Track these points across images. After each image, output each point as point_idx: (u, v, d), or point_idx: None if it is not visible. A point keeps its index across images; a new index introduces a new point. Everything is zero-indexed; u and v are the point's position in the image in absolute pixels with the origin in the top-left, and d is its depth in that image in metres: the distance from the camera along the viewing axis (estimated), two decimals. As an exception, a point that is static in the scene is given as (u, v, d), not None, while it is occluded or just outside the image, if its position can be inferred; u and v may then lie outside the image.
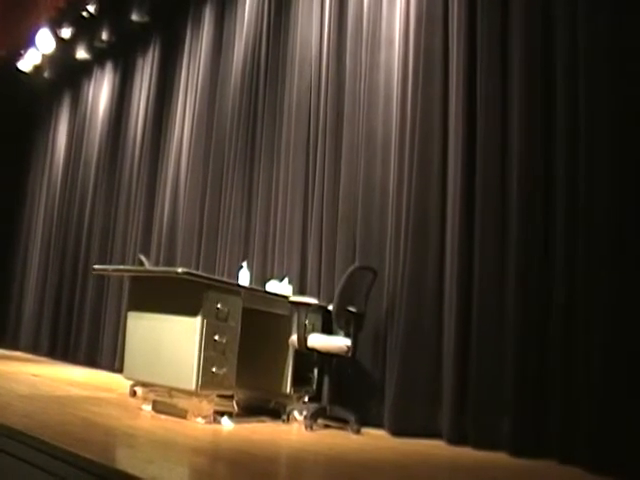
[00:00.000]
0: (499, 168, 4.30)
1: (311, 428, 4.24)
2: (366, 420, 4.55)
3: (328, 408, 4.44)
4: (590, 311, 3.65)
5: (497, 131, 4.33)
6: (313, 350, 4.45)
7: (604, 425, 3.45)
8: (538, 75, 4.16)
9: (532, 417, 3.82)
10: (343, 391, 4.72)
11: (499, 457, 3.82)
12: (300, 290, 5.36)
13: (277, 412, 4.70)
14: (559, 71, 4.06)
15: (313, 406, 4.50)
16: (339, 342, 4.42)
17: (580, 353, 3.66)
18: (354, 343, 4.42)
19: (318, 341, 4.45)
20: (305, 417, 4.38)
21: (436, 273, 4.57)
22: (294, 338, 4.49)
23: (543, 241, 4.00)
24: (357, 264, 4.66)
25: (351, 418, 4.38)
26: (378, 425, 4.59)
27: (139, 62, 8.81)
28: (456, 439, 4.12)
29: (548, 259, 3.96)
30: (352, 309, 4.47)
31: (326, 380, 4.60)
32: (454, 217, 4.48)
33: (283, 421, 4.49)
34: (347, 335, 4.49)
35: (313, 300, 4.70)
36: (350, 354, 4.41)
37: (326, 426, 4.42)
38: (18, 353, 9.55)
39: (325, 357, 4.50)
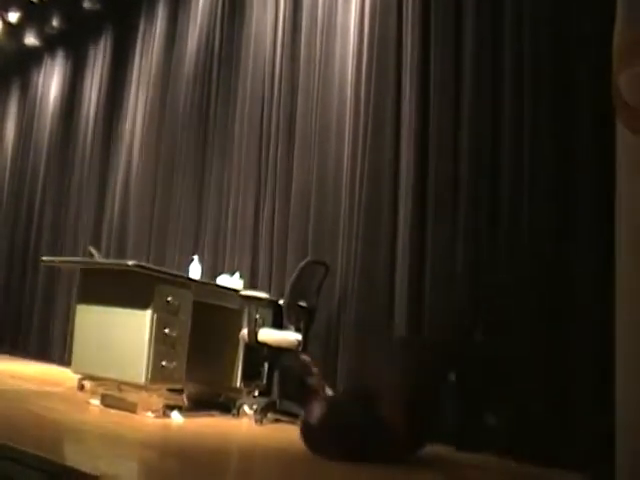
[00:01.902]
0: (451, 158, 4.37)
1: (261, 422, 4.26)
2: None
3: (278, 402, 4.47)
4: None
5: (450, 120, 4.41)
6: (264, 344, 4.47)
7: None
8: (490, 63, 4.27)
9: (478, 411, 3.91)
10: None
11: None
12: (251, 284, 5.38)
13: (227, 406, 4.71)
14: (507, 59, 4.18)
15: (263, 400, 4.53)
16: (289, 337, 4.45)
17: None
18: (305, 338, 4.46)
19: (268, 335, 4.47)
20: (255, 411, 4.40)
21: (388, 267, 4.63)
22: (244, 332, 4.50)
23: (492, 232, 4.09)
24: (309, 258, 4.69)
25: (300, 412, 4.40)
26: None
27: (91, 51, 8.66)
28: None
29: (497, 250, 4.05)
30: (303, 304, 4.50)
31: (276, 375, 4.63)
32: (406, 210, 4.55)
33: (233, 415, 4.51)
34: (298, 330, 4.53)
35: (264, 294, 4.72)
36: (301, 349, 4.44)
37: (276, 420, 4.45)
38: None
39: (275, 352, 4.53)
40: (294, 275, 4.44)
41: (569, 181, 3.82)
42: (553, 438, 3.60)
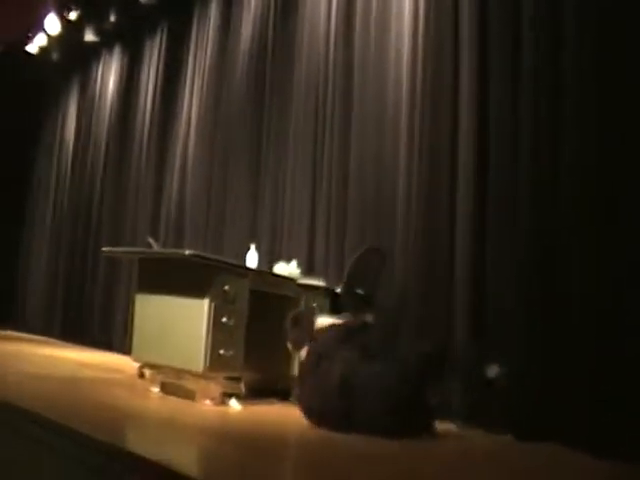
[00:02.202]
0: (512, 143, 4.24)
1: None
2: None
3: None
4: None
5: (509, 107, 4.29)
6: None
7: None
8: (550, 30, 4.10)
9: (540, 400, 3.82)
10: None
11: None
12: (308, 272, 5.36)
13: (285, 394, 4.71)
14: (567, 26, 4.01)
15: None
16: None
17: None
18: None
19: (326, 324, 4.44)
20: None
21: (447, 251, 4.53)
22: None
23: (553, 215, 3.95)
24: (367, 246, 4.63)
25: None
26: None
27: (147, 44, 8.77)
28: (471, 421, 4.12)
29: (559, 236, 3.93)
30: (361, 291, 4.45)
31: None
32: (466, 193, 4.45)
33: (291, 403, 4.50)
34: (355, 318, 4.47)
35: (320, 283, 4.69)
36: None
37: None
38: (29, 335, 9.60)
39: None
40: (352, 263, 4.40)
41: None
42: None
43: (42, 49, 10.03)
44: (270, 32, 6.59)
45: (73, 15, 9.14)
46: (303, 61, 6.12)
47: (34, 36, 9.78)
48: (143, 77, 8.71)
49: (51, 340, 8.94)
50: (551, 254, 3.93)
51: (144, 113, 8.49)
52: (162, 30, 8.49)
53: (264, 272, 4.87)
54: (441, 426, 3.84)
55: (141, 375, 5.10)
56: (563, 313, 3.80)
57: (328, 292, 4.85)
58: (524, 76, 4.20)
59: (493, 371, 3.88)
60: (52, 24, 9.31)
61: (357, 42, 5.59)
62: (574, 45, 3.95)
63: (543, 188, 4.01)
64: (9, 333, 9.59)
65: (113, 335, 8.05)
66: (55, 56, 10.30)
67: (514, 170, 4.20)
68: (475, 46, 4.53)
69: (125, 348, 7.28)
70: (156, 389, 4.45)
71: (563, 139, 3.95)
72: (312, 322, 4.15)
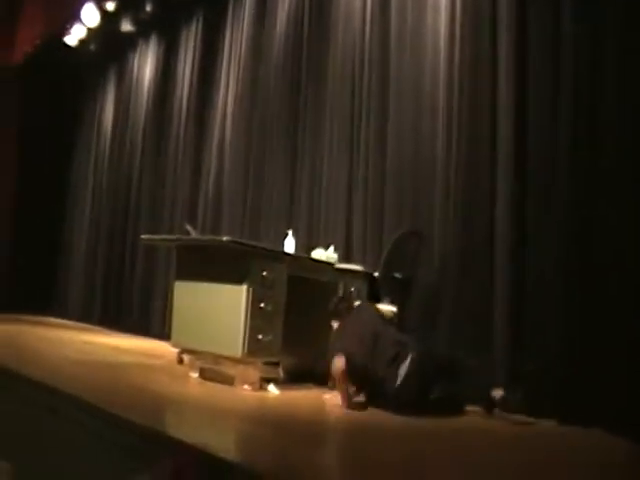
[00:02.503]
0: (551, 115, 4.13)
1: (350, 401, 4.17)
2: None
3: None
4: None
5: (549, 83, 4.17)
6: None
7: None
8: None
9: (582, 385, 3.74)
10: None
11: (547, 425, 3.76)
12: (346, 257, 5.33)
13: (323, 379, 4.69)
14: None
15: None
16: (384, 309, 4.37)
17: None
18: (400, 310, 4.35)
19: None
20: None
21: (486, 235, 4.45)
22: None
23: (594, 201, 3.86)
24: (403, 229, 4.57)
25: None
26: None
27: (183, 33, 8.78)
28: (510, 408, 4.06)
29: (597, 220, 3.83)
30: (399, 275, 4.40)
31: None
32: (505, 175, 4.36)
33: (329, 388, 4.46)
34: (393, 302, 4.44)
35: (358, 267, 4.65)
36: (396, 321, 4.35)
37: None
38: (69, 321, 9.75)
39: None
40: (389, 247, 4.36)
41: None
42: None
43: (80, 41, 10.11)
44: (306, 14, 6.54)
45: (110, 6, 9.18)
46: (339, 41, 6.07)
47: (72, 27, 9.84)
48: (179, 65, 8.73)
49: (90, 326, 9.06)
50: (589, 225, 3.85)
51: (181, 100, 8.52)
52: (198, 18, 8.49)
53: (301, 257, 4.85)
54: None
55: (180, 361, 5.13)
56: (602, 285, 3.72)
57: (366, 277, 4.81)
58: (564, 46, 4.09)
59: (497, 394, 3.81)
60: (90, 16, 9.37)
61: (393, 19, 5.51)
62: (614, 14, 3.83)
63: (582, 160, 3.92)
64: (51, 320, 9.75)
65: (151, 321, 8.12)
66: (93, 47, 10.39)
67: (554, 142, 4.10)
68: (514, 17, 4.42)
69: (163, 334, 7.35)
70: (195, 374, 4.47)
71: (602, 109, 3.85)
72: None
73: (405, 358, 3.67)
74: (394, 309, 4.35)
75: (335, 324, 4.17)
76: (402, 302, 4.40)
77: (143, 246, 8.43)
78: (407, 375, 3.63)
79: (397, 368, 3.67)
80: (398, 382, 3.63)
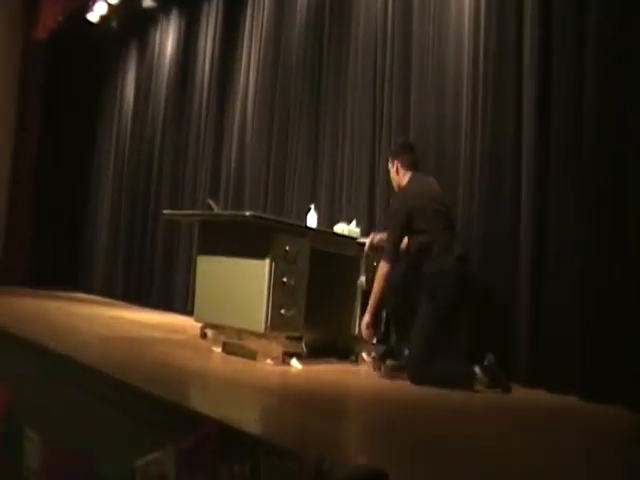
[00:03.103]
0: (574, 106, 4.06)
1: (379, 369, 4.21)
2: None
3: (396, 349, 4.41)
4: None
5: (572, 68, 4.09)
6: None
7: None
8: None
9: (606, 361, 3.70)
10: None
11: (568, 401, 3.73)
12: (368, 233, 5.30)
13: (346, 353, 4.70)
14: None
15: (381, 347, 4.46)
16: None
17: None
18: None
19: None
20: (373, 358, 4.35)
21: (511, 213, 4.41)
22: (362, 279, 4.45)
23: (622, 192, 3.79)
24: None
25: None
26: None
27: (204, 8, 8.72)
28: (530, 382, 4.05)
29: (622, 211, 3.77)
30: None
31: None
32: (529, 159, 4.30)
33: (351, 362, 4.48)
34: None
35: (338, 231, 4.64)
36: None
37: (394, 368, 4.39)
38: (93, 296, 9.86)
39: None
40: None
41: None
42: None
43: (102, 17, 10.11)
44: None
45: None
46: (361, 25, 5.99)
47: (94, 4, 9.84)
48: (200, 40, 8.68)
49: (114, 301, 9.16)
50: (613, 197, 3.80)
51: (202, 75, 8.48)
52: (219, -7, 8.43)
53: (324, 232, 4.83)
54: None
55: (203, 335, 5.16)
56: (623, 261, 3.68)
57: None
58: (589, 28, 4.00)
59: (488, 359, 3.81)
60: (112, -8, 9.38)
61: (416, 2, 5.42)
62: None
63: (608, 131, 3.85)
64: (78, 295, 9.86)
65: (174, 296, 8.18)
66: (114, 23, 10.38)
67: (578, 118, 4.03)
68: (540, 5, 4.33)
69: (185, 309, 7.41)
70: (218, 349, 4.49)
71: (628, 88, 3.77)
72: None
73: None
74: None
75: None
76: None
77: (165, 221, 8.46)
78: None
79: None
80: None
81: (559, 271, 4.05)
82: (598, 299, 3.77)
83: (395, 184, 4.50)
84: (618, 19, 3.84)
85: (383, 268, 4.12)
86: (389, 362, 4.27)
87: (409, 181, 4.39)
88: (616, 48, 3.83)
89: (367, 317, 4.20)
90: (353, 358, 4.50)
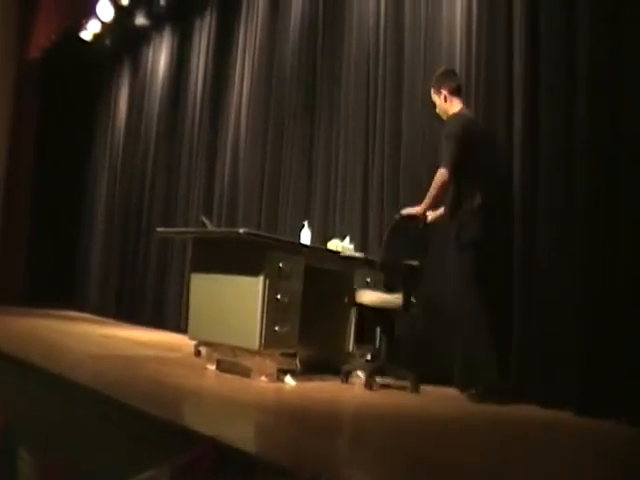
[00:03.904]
0: (564, 111, 4.12)
1: (370, 387, 4.19)
2: (434, 377, 4.51)
3: (386, 367, 4.37)
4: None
5: (561, 90, 4.16)
6: (363, 306, 4.37)
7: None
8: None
9: (600, 375, 3.71)
10: (406, 348, 4.68)
11: (562, 416, 3.73)
12: (362, 248, 5.32)
13: (339, 369, 4.69)
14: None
15: (372, 365, 4.44)
16: (389, 297, 4.30)
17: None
18: (406, 297, 4.25)
19: (367, 297, 4.36)
20: (369, 375, 4.32)
21: (503, 219, 4.45)
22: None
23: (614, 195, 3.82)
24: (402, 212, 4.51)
25: (410, 376, 4.27)
26: (446, 383, 4.49)
27: (197, 24, 8.77)
28: (524, 397, 4.06)
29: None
30: (407, 262, 4.33)
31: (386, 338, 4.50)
32: (518, 171, 4.35)
33: (342, 381, 4.41)
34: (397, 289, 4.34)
35: (360, 254, 4.63)
36: (404, 310, 4.28)
37: (384, 385, 4.36)
38: (85, 314, 9.83)
39: (381, 314, 4.42)
40: (388, 231, 4.30)
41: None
42: None
43: (95, 35, 10.18)
44: (320, 5, 6.51)
45: (125, 0, 9.21)
46: (354, 36, 6.05)
47: (87, 22, 9.91)
48: (193, 57, 8.73)
49: (106, 319, 9.13)
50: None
51: (195, 93, 8.52)
52: (211, 10, 8.48)
53: (318, 249, 4.84)
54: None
55: (197, 353, 5.16)
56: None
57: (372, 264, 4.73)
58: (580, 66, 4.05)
59: None
60: (105, 10, 9.42)
61: (408, 12, 5.47)
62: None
63: (599, 132, 3.88)
64: (70, 313, 9.83)
65: (166, 314, 8.16)
66: (108, 41, 10.45)
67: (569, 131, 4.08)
68: (528, 21, 4.40)
69: (178, 327, 7.40)
70: (212, 367, 4.48)
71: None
72: None
73: None
74: (400, 297, 4.26)
75: None
76: (408, 289, 4.27)
77: (157, 239, 8.46)
78: None
79: None
80: None
81: (551, 280, 4.07)
82: (593, 309, 3.79)
83: (443, 113, 4.56)
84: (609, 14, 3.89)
85: (444, 175, 4.22)
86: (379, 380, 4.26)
87: (461, 109, 4.47)
88: (608, 43, 3.88)
89: (419, 209, 4.31)
90: (343, 377, 4.40)
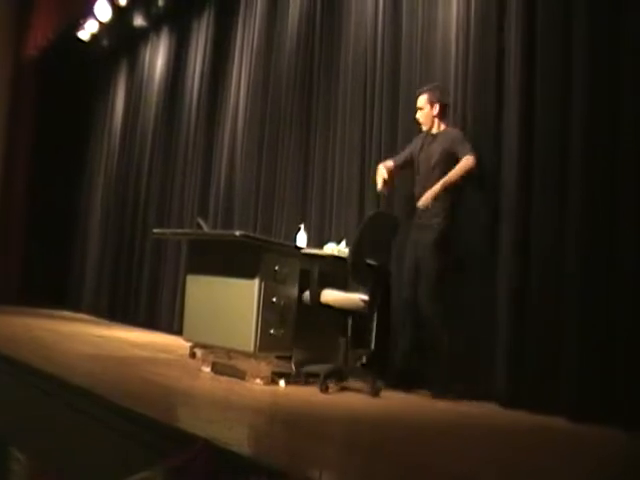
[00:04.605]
0: (559, 135, 4.14)
1: (326, 390, 4.07)
2: (411, 382, 4.53)
3: (345, 370, 4.33)
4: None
5: (558, 72, 4.17)
6: (326, 306, 4.29)
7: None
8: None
9: (593, 381, 3.72)
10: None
11: (552, 421, 3.73)
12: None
13: (334, 373, 4.68)
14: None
15: (328, 367, 4.30)
16: (354, 297, 4.26)
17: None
18: (372, 298, 4.23)
19: (332, 296, 4.29)
20: (370, 381, 4.23)
21: (489, 231, 4.50)
22: (306, 293, 4.37)
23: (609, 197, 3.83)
24: (377, 210, 4.49)
25: (370, 380, 4.22)
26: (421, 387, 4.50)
27: (194, 26, 8.77)
28: (510, 402, 4.05)
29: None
30: (372, 262, 4.32)
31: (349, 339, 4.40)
32: (510, 179, 4.37)
33: (321, 391, 4.09)
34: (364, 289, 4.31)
35: (327, 252, 4.63)
36: (368, 310, 4.26)
37: (343, 388, 4.31)
38: (80, 315, 9.81)
39: (345, 314, 4.35)
40: (359, 228, 4.27)
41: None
42: None
43: (93, 35, 10.18)
44: (318, 10, 6.51)
45: (123, 1, 9.21)
46: (351, 42, 6.04)
47: (85, 22, 9.90)
48: (191, 59, 8.72)
49: (100, 320, 9.11)
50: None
51: (192, 93, 8.51)
52: (209, 12, 8.47)
53: (314, 252, 4.83)
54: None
55: (192, 355, 5.15)
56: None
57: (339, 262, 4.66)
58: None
59: None
60: (103, 11, 9.42)
61: (405, 20, 5.48)
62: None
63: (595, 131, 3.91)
64: (65, 313, 9.81)
65: (160, 315, 8.14)
66: (105, 41, 10.45)
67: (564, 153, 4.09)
68: (523, 12, 4.42)
69: (171, 328, 7.39)
70: (207, 369, 4.48)
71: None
72: None
73: None
74: (364, 297, 4.23)
75: None
76: (374, 290, 4.26)
77: (152, 240, 8.45)
78: None
79: None
80: None
81: (543, 286, 4.08)
82: (584, 314, 3.80)
83: (427, 121, 4.74)
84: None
85: (470, 161, 4.41)
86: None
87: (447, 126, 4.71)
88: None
89: (437, 189, 4.45)
90: (323, 387, 4.11)
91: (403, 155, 4.90)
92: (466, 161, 4.43)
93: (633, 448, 3.30)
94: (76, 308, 10.34)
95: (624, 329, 3.61)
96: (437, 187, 4.45)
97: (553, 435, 3.49)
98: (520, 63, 4.39)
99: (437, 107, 4.66)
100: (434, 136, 4.71)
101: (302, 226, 5.23)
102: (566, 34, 4.15)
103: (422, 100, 4.72)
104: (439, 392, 4.28)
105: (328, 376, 4.17)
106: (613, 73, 3.86)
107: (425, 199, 4.47)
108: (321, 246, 5.16)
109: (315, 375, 4.19)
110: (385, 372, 4.55)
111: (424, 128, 4.77)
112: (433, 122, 4.71)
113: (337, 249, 4.95)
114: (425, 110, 4.71)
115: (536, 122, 4.27)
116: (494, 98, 4.63)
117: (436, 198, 4.47)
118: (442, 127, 4.70)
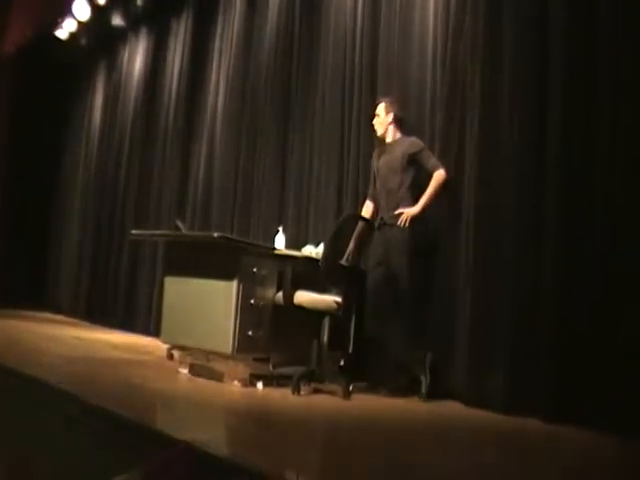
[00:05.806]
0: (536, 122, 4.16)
1: (298, 392, 4.05)
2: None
3: (317, 371, 4.30)
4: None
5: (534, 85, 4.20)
6: (299, 307, 4.28)
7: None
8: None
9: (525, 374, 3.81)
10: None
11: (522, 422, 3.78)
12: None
13: (312, 375, 4.69)
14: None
15: (301, 369, 4.27)
16: (327, 299, 4.23)
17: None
18: (346, 300, 4.20)
19: (305, 297, 4.28)
20: (343, 384, 4.18)
21: (453, 242, 4.55)
22: (280, 295, 4.34)
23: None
24: (350, 212, 4.49)
25: (343, 382, 4.17)
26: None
27: (173, 26, 8.71)
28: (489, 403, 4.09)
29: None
30: (344, 263, 4.30)
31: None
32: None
33: (293, 393, 4.05)
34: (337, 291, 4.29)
35: (299, 253, 4.64)
36: (341, 312, 4.24)
37: (316, 390, 4.27)
38: (58, 316, 9.74)
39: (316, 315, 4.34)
40: (333, 230, 4.26)
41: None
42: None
43: (71, 34, 10.11)
44: (297, 11, 6.51)
45: (102, 0, 9.17)
46: (330, 43, 6.03)
47: (63, 21, 9.84)
48: (169, 58, 8.67)
49: (78, 321, 9.06)
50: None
51: (170, 94, 8.46)
52: (188, 12, 8.44)
53: (292, 254, 4.86)
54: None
55: (170, 357, 5.15)
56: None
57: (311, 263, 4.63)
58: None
59: None
60: (81, 10, 9.37)
61: (383, 19, 5.50)
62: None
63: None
64: (44, 315, 9.73)
65: (137, 317, 8.11)
66: (84, 40, 10.38)
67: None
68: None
69: (148, 330, 7.36)
70: (185, 370, 4.48)
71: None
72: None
73: None
74: (337, 299, 4.20)
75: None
76: (347, 292, 4.24)
77: (129, 241, 8.40)
78: None
79: None
80: None
81: (516, 283, 4.07)
82: (560, 313, 3.81)
83: (382, 128, 4.86)
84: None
85: (443, 175, 4.55)
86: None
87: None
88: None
89: (417, 210, 4.53)
90: (295, 390, 4.06)
91: (372, 184, 4.98)
92: (439, 177, 4.56)
93: (607, 448, 3.35)
94: (55, 310, 10.25)
95: (600, 327, 3.65)
96: (417, 209, 4.53)
97: (527, 436, 3.53)
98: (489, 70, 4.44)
99: (391, 116, 4.81)
100: (390, 145, 4.83)
101: (281, 228, 5.25)
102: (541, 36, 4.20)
103: (380, 107, 4.87)
104: (394, 390, 4.30)
105: (301, 378, 4.15)
106: (588, 75, 3.89)
107: (402, 221, 4.52)
108: (299, 248, 5.18)
109: (289, 377, 4.19)
110: (362, 374, 4.55)
111: (378, 133, 4.89)
112: (387, 130, 4.84)
113: (315, 252, 4.98)
114: (381, 117, 4.85)
115: (500, 119, 4.30)
116: (461, 102, 4.67)
117: (406, 203, 4.58)
118: (398, 136, 4.83)
